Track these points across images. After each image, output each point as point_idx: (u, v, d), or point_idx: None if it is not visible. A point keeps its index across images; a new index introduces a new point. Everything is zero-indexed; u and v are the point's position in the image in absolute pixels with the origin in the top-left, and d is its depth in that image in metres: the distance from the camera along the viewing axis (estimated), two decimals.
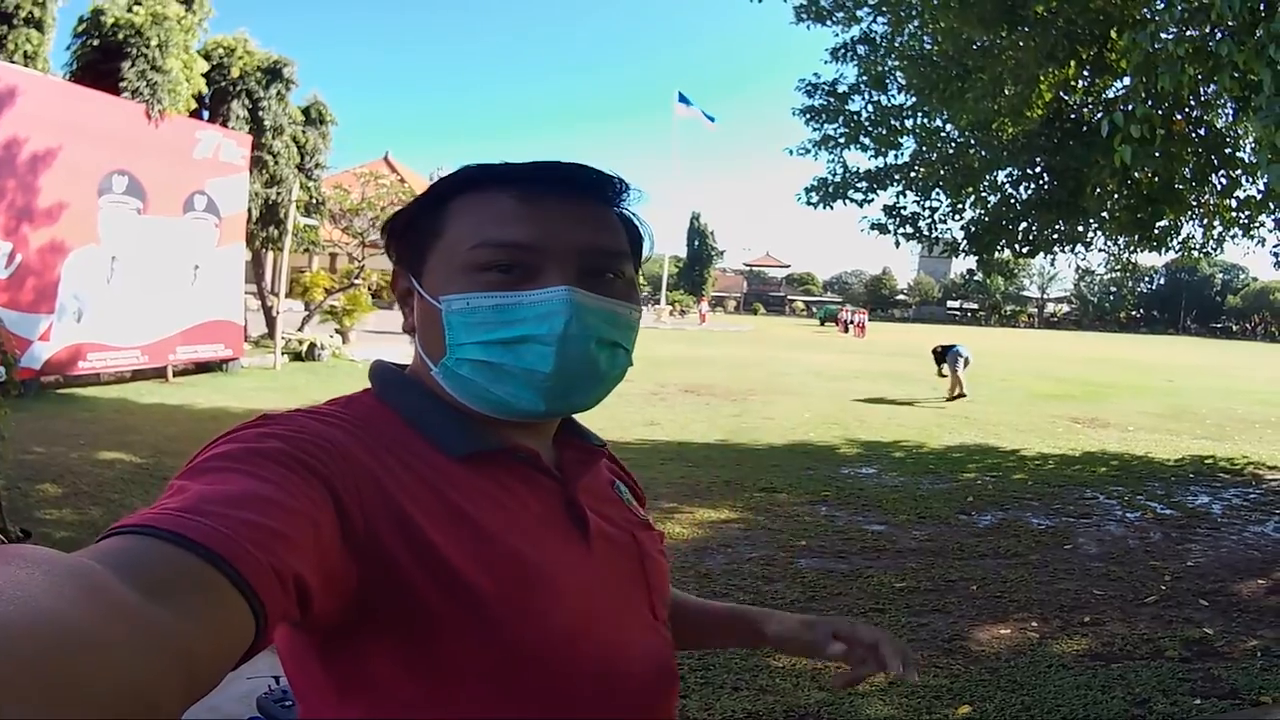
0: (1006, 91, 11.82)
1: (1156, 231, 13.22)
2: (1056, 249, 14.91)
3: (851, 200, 14.63)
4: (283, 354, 22.20)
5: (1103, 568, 7.73)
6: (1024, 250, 14.73)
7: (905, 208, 14.79)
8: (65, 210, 15.33)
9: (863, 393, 21.38)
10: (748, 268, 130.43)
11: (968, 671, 5.40)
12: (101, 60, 17.44)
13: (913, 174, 14.47)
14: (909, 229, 14.79)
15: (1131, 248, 15.16)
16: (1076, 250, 15.11)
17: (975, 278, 18.16)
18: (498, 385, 1.17)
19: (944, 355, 22.07)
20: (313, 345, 23.53)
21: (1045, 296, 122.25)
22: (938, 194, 14.55)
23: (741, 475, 11.04)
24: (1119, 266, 17.45)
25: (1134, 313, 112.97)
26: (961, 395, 20.66)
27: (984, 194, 14.41)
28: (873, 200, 14.69)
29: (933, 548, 8.15)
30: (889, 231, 14.85)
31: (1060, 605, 6.66)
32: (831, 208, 14.72)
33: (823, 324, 79.62)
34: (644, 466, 11.28)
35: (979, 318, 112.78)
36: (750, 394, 19.73)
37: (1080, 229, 14.15)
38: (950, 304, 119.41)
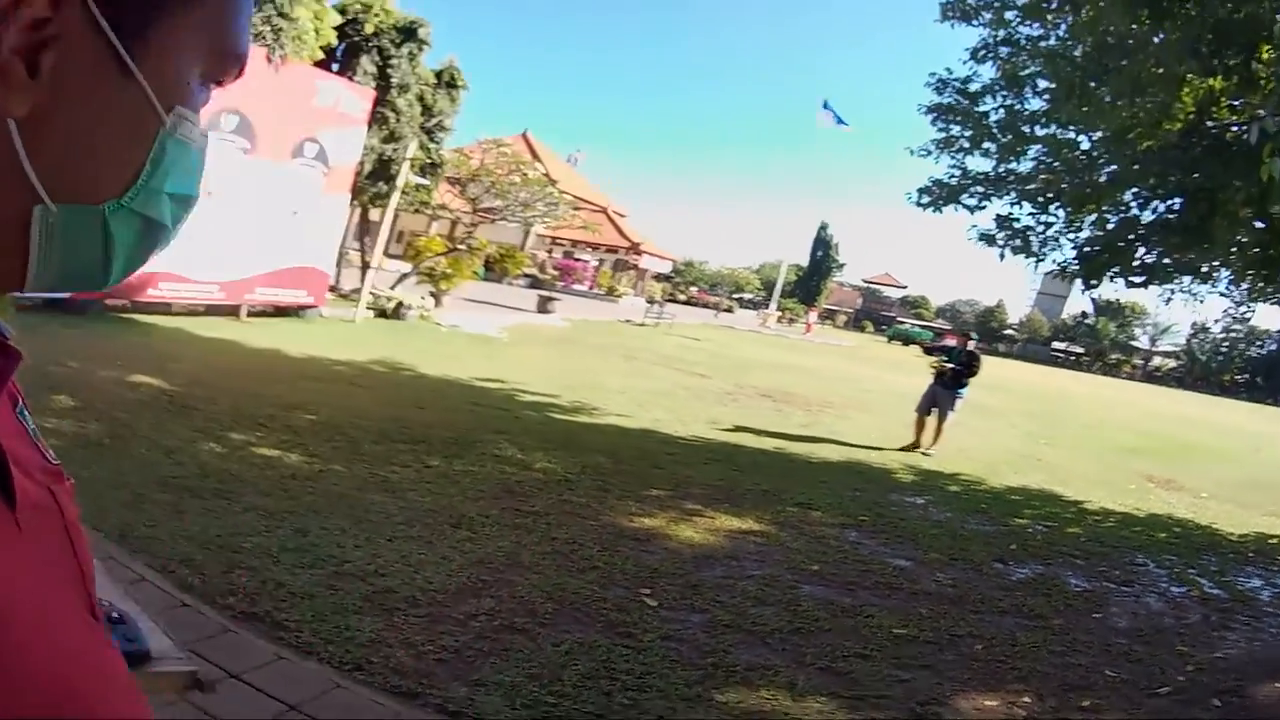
0: (1146, 95, 10.82)
1: None
2: (1174, 282, 13.78)
3: (964, 205, 13.80)
4: (367, 309, 21.84)
5: (1125, 645, 6.81)
6: (1138, 280, 13.56)
7: (1018, 219, 13.78)
8: None
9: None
10: (865, 284, 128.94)
11: None
12: None
13: (1032, 185, 13.44)
14: (1018, 242, 13.72)
15: (1254, 295, 13.96)
16: (1193, 287, 14.03)
17: (1087, 321, 17.37)
18: (137, 251, 0.69)
19: (951, 355, 15.65)
20: (400, 304, 23.10)
21: (1153, 349, 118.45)
22: (1056, 209, 13.44)
23: (783, 487, 10.29)
24: (1234, 317, 16.47)
25: (1238, 376, 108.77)
26: (916, 446, 14.91)
27: (1105, 212, 13.19)
28: (985, 207, 13.85)
29: (952, 594, 7.33)
30: (996, 244, 13.80)
31: (1064, 683, 5.79)
32: (941, 211, 13.92)
33: (890, 342, 78.09)
34: (686, 464, 10.74)
35: (1082, 363, 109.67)
36: (827, 407, 18.92)
37: (1200, 261, 13.00)
38: (1056, 345, 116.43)
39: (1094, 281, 13.71)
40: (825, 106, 64.15)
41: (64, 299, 13.59)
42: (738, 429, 13.96)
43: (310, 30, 17.77)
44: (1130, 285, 13.72)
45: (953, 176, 14.02)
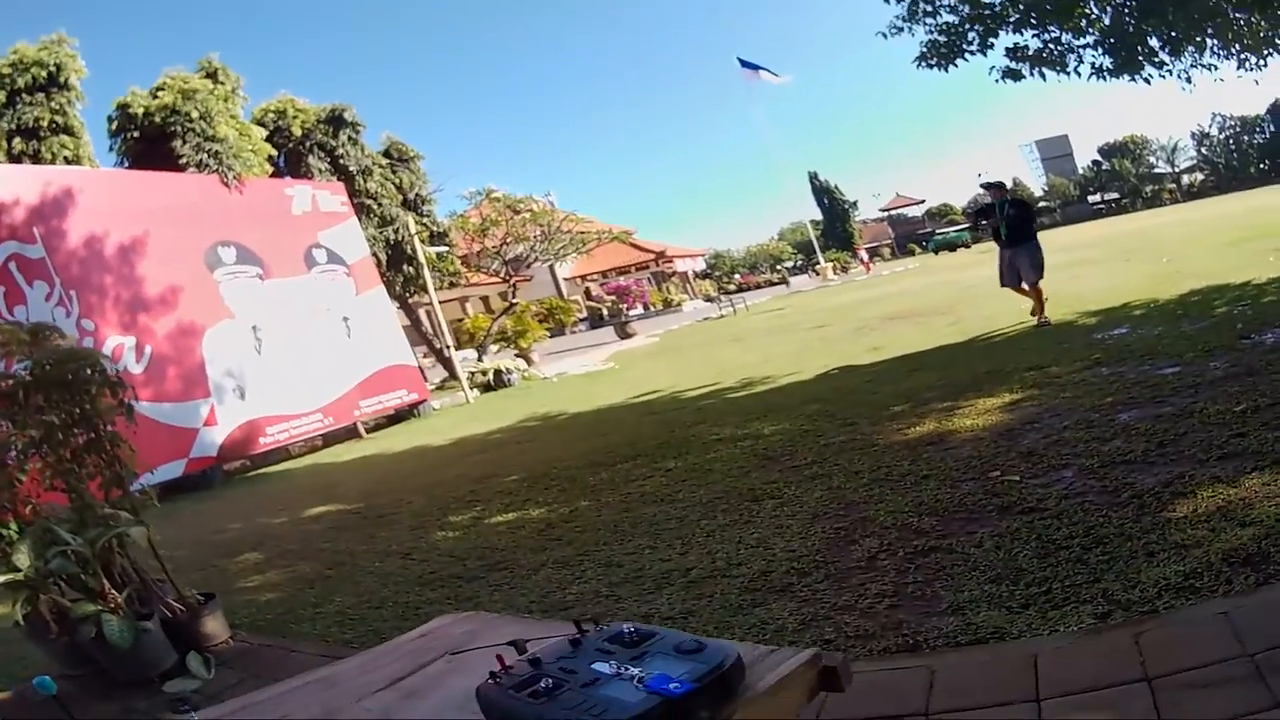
0: None
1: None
2: (1181, 57, 13.79)
3: (968, 53, 13.96)
4: (472, 388, 21.90)
5: None
6: (1161, 60, 13.68)
7: (1028, 46, 13.99)
8: (182, 293, 15.09)
9: (1064, 278, 20.08)
10: (885, 213, 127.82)
11: None
12: (150, 148, 17.36)
13: (1020, 8, 13.54)
14: (1041, 64, 14.02)
15: (1249, 47, 13.74)
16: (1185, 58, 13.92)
17: (1105, 168, 17.21)
18: None
19: (989, 215, 13.73)
20: (499, 371, 23.19)
21: (1177, 170, 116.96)
22: (1050, 25, 13.70)
23: (999, 364, 10.08)
24: (1223, 116, 16.48)
25: (1261, 165, 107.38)
26: (1044, 320, 12.80)
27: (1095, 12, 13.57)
28: (992, 46, 13.94)
29: (1241, 371, 7.06)
30: (1021, 75, 14.14)
31: None
32: (955, 65, 14.07)
33: (937, 254, 76.13)
34: (895, 381, 10.56)
35: (1123, 205, 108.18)
36: (954, 308, 18.58)
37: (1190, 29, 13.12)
38: (1091, 198, 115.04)
39: (1132, 72, 13.76)
40: (744, 65, 63.13)
41: (181, 479, 13.61)
42: (898, 348, 13.65)
43: (244, 146, 17.92)
44: (1155, 66, 13.76)
45: (943, 29, 14.05)
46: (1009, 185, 14.90)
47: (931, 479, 6.00)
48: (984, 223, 14.15)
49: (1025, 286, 13.21)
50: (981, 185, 13.56)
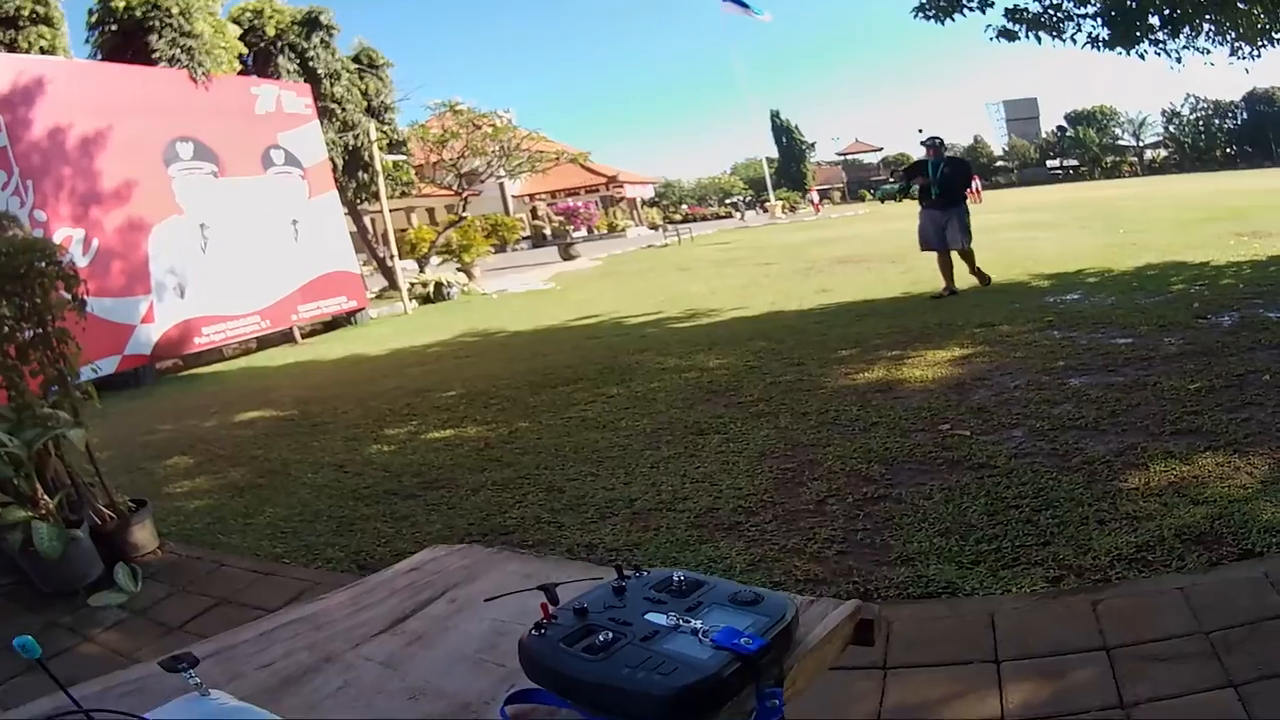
0: None
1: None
2: (1179, 38, 13.81)
3: (968, 9, 13.80)
4: (411, 299, 21.82)
5: None
6: (1161, 37, 13.71)
7: (1027, 9, 13.90)
8: (135, 187, 14.82)
9: (1019, 239, 20.20)
10: (841, 157, 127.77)
11: None
12: (125, 43, 17.19)
13: None
14: (1038, 28, 13.93)
15: (1244, 36, 13.82)
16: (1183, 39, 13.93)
17: (1069, 134, 17.41)
18: None
19: (918, 173, 12.97)
20: (439, 284, 23.22)
21: (1141, 144, 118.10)
22: None
23: (950, 317, 10.18)
24: (1197, 97, 16.76)
25: (1228, 149, 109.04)
26: (952, 291, 12.34)
27: None
28: (993, 4, 13.84)
29: (1196, 350, 7.12)
30: (1016, 36, 14.03)
31: None
32: (952, 19, 13.96)
33: (883, 202, 76.25)
34: (844, 325, 10.65)
35: (1081, 173, 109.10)
36: (904, 256, 18.58)
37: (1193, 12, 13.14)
38: (1050, 164, 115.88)
39: (1128, 46, 13.82)
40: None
41: (111, 376, 13.41)
42: (848, 292, 13.74)
43: (217, 43, 17.72)
44: (1153, 44, 13.85)
45: None
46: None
47: (880, 426, 6.02)
48: (912, 182, 13.05)
49: (953, 251, 12.48)
50: (922, 142, 12.71)
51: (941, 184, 12.31)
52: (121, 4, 16.99)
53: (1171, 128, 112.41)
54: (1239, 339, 7.39)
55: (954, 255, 12.48)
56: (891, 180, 12.37)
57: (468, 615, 1.78)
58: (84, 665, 3.97)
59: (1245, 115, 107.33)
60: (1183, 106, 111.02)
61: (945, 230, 12.32)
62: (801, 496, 4.93)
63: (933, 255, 12.69)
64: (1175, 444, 4.93)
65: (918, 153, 13.26)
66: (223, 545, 5.55)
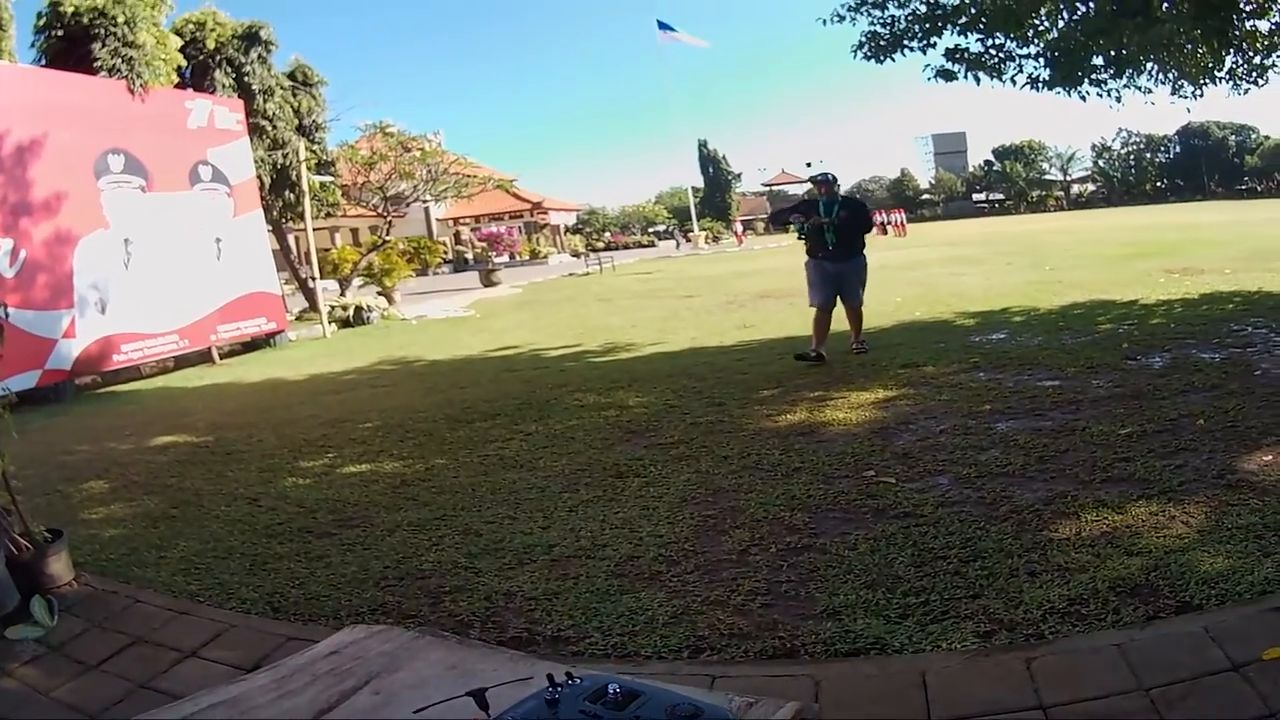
0: None
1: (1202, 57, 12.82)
2: (1125, 76, 14.03)
3: (908, 49, 14.01)
4: (330, 323, 21.73)
5: None
6: (1105, 77, 13.98)
7: (969, 49, 14.06)
8: (65, 199, 14.61)
9: (943, 274, 20.43)
10: (766, 188, 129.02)
11: (1267, 504, 4.49)
12: (69, 49, 17.17)
13: (971, 11, 13.57)
14: (978, 69, 14.09)
15: (1190, 73, 14.12)
16: (1116, 84, 14.21)
17: (995, 168, 17.63)
18: None
19: (809, 212, 10.84)
20: (359, 308, 23.17)
21: (1068, 179, 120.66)
22: (995, 33, 13.77)
23: (873, 358, 10.23)
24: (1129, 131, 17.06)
25: (1158, 184, 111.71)
26: (820, 357, 10.16)
27: (1044, 24, 13.76)
28: (934, 44, 13.99)
29: (1126, 393, 7.22)
30: (955, 76, 14.20)
31: None
32: (892, 59, 14.21)
33: (800, 238, 76.15)
34: (765, 363, 10.69)
35: (1007, 207, 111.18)
36: None
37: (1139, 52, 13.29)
38: (976, 197, 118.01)
39: (1069, 87, 14.03)
40: (661, 26, 64.11)
41: (31, 390, 13.16)
42: (769, 328, 13.88)
43: (158, 55, 17.66)
44: (1094, 84, 14.12)
45: (887, 22, 14.07)
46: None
47: (803, 472, 5.97)
48: (796, 222, 10.99)
49: (848, 309, 10.81)
50: (811, 178, 11.11)
51: (839, 230, 10.57)
52: (70, 9, 16.87)
53: (1101, 162, 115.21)
54: (1170, 381, 7.50)
55: (834, 313, 10.69)
56: (790, 224, 10.41)
57: (394, 710, 1.71)
58: (2, 700, 3.93)
59: (1178, 149, 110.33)
60: (1114, 141, 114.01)
61: (841, 287, 10.66)
62: (724, 545, 4.85)
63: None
64: (1107, 492, 4.94)
65: (843, 183, 12.00)
66: (137, 578, 5.36)
